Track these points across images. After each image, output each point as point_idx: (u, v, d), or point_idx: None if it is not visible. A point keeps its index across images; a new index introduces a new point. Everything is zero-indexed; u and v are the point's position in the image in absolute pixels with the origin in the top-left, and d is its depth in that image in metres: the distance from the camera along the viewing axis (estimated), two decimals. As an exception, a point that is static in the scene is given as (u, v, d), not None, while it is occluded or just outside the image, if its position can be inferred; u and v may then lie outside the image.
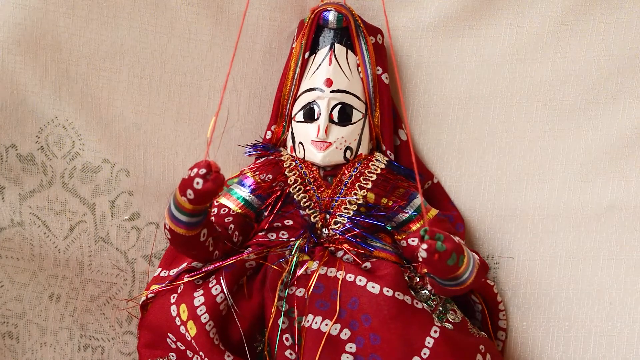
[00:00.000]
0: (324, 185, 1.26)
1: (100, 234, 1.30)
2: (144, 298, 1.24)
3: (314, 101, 1.27)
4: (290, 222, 1.25)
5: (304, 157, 1.27)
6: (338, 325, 1.16)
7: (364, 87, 1.28)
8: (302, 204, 1.25)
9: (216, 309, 1.18)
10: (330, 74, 1.27)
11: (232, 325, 1.19)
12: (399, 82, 1.32)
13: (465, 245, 1.17)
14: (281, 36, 1.34)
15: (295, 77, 1.29)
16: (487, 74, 1.32)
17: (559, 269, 1.30)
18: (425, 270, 1.17)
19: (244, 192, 1.26)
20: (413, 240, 1.24)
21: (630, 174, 1.28)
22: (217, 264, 1.20)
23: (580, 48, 1.29)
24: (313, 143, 1.26)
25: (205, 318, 1.17)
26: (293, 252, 1.22)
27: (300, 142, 1.27)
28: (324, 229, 1.25)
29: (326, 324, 1.16)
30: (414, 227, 1.27)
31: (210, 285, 1.19)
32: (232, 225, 1.23)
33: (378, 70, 1.30)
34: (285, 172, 1.27)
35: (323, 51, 1.28)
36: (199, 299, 1.18)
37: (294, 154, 1.28)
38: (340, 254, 1.23)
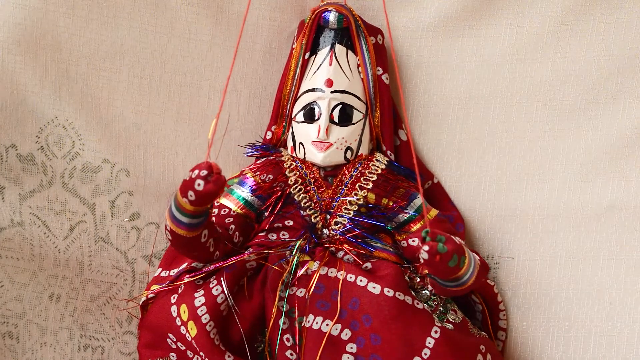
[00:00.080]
0: (324, 186, 1.26)
1: (100, 234, 1.30)
2: (144, 298, 1.24)
3: (315, 101, 1.27)
4: (291, 223, 1.25)
5: (305, 158, 1.27)
6: (339, 326, 1.16)
7: (365, 88, 1.28)
8: (302, 205, 1.25)
9: (217, 309, 1.18)
10: (330, 74, 1.27)
11: (232, 325, 1.19)
12: (399, 82, 1.32)
13: (465, 246, 1.17)
14: (281, 36, 1.34)
15: (296, 77, 1.29)
16: (487, 74, 1.32)
17: (559, 269, 1.30)
18: (426, 271, 1.17)
19: (244, 193, 1.26)
20: (413, 241, 1.24)
21: (630, 174, 1.28)
22: (218, 265, 1.20)
23: (580, 48, 1.29)
24: (314, 143, 1.26)
25: (205, 318, 1.17)
26: (294, 253, 1.22)
27: (300, 143, 1.27)
28: (324, 230, 1.25)
29: (327, 325, 1.16)
30: (415, 227, 1.27)
31: (211, 285, 1.19)
32: (232, 226, 1.23)
33: (378, 70, 1.29)
34: (286, 173, 1.26)
35: (323, 51, 1.28)
36: (199, 299, 1.18)
37: (294, 155, 1.28)
38: (340, 254, 1.23)
